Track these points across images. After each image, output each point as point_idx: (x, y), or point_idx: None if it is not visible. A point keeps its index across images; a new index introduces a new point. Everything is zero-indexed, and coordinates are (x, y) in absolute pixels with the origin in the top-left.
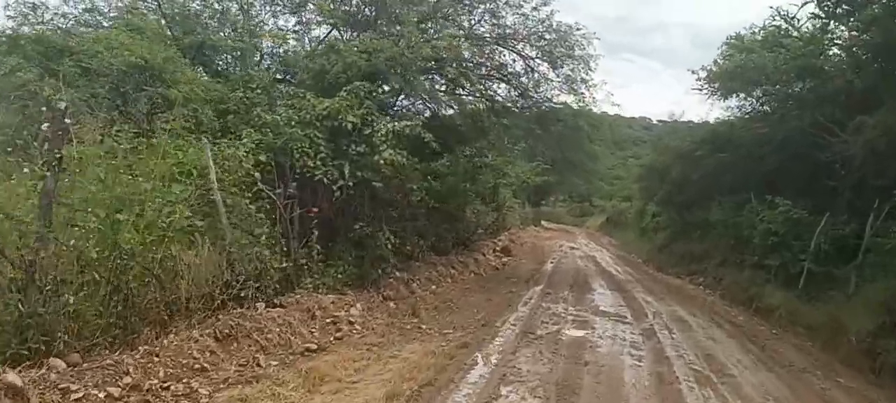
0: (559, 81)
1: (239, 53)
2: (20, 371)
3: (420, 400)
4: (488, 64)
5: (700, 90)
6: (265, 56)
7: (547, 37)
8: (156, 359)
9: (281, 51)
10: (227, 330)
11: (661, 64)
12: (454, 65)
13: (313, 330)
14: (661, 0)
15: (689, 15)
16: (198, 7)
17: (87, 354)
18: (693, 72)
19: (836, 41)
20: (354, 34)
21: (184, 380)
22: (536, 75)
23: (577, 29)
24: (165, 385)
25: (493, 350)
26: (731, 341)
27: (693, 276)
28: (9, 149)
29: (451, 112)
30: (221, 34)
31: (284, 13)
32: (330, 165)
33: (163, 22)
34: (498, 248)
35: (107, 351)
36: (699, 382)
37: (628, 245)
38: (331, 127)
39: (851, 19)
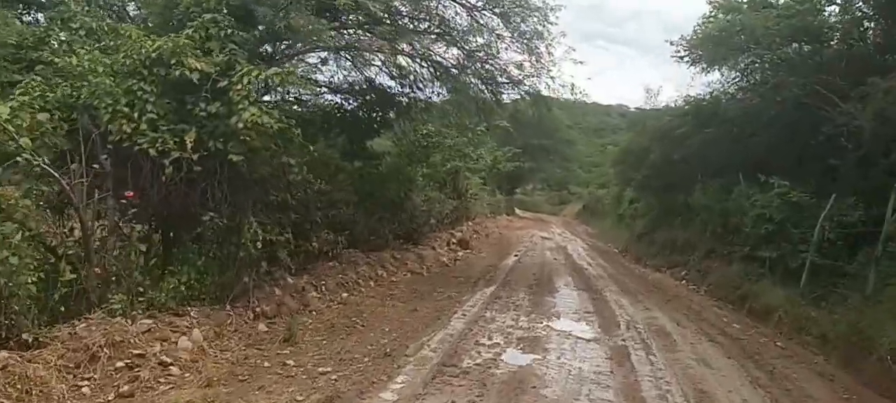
0: (512, 38)
1: None
2: None
3: None
4: (426, 18)
5: (680, 59)
6: None
7: None
8: None
9: None
10: None
11: (636, 51)
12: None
13: (83, 381)
14: None
15: (661, 3)
16: None
17: None
18: (671, 43)
19: None
20: None
21: None
22: (486, 33)
23: None
24: None
25: None
26: (730, 364)
27: (675, 269)
28: None
29: (388, 80)
30: None
31: None
32: (163, 132)
33: None
34: (454, 241)
35: None
36: None
37: (604, 234)
38: (171, 78)
39: None
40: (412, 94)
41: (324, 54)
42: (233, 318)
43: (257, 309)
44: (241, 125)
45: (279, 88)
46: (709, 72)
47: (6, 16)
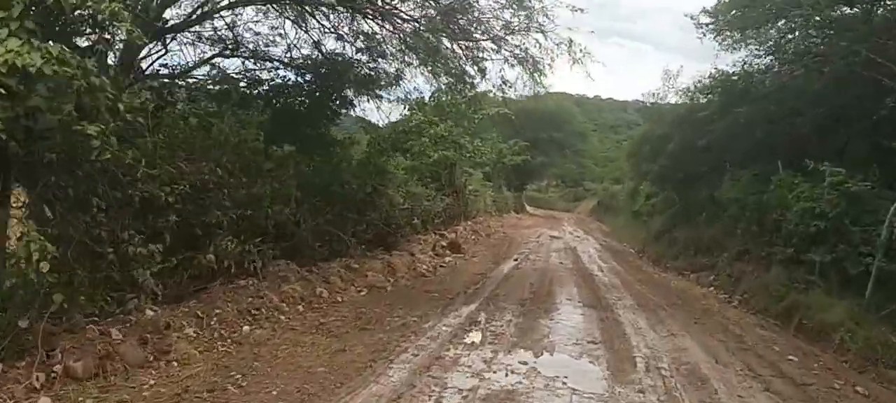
0: None
1: None
2: None
3: None
4: None
5: (703, 32)
6: None
7: None
8: None
9: None
10: None
11: (651, 46)
12: None
13: None
14: None
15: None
16: None
17: None
18: (691, 17)
19: None
20: None
21: None
22: None
23: None
24: None
25: None
26: None
27: (700, 273)
28: None
29: (342, 45)
30: None
31: None
32: None
33: None
34: (442, 244)
35: None
36: None
37: (619, 232)
38: None
39: None
40: (374, 65)
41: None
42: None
43: (57, 366)
44: None
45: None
46: (736, 48)
47: None
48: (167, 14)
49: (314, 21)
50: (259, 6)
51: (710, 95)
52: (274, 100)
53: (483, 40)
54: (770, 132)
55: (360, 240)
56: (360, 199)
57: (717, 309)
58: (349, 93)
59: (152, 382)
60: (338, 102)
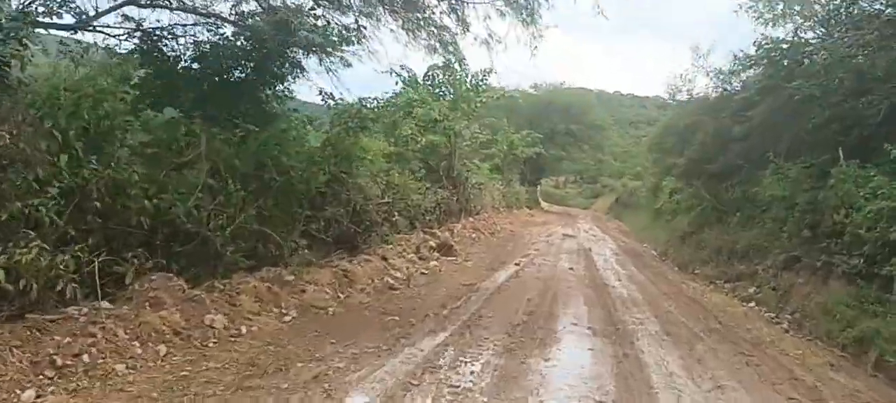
0: None
1: None
2: None
3: None
4: None
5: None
6: None
7: None
8: None
9: None
10: None
11: (677, 40)
12: None
13: None
14: None
15: None
16: None
17: None
18: None
19: None
20: None
21: None
22: None
23: None
24: None
25: None
26: None
27: (737, 284)
28: None
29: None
30: None
31: None
32: None
33: None
34: (430, 245)
35: None
36: None
37: (640, 231)
38: None
39: None
40: (330, 16)
41: None
42: None
43: None
44: None
45: None
46: (779, 23)
47: None
48: None
49: None
50: None
51: (751, 68)
52: (201, 64)
53: None
54: (828, 116)
55: (314, 242)
56: (316, 190)
57: (769, 339)
58: (298, 54)
59: None
60: (284, 66)
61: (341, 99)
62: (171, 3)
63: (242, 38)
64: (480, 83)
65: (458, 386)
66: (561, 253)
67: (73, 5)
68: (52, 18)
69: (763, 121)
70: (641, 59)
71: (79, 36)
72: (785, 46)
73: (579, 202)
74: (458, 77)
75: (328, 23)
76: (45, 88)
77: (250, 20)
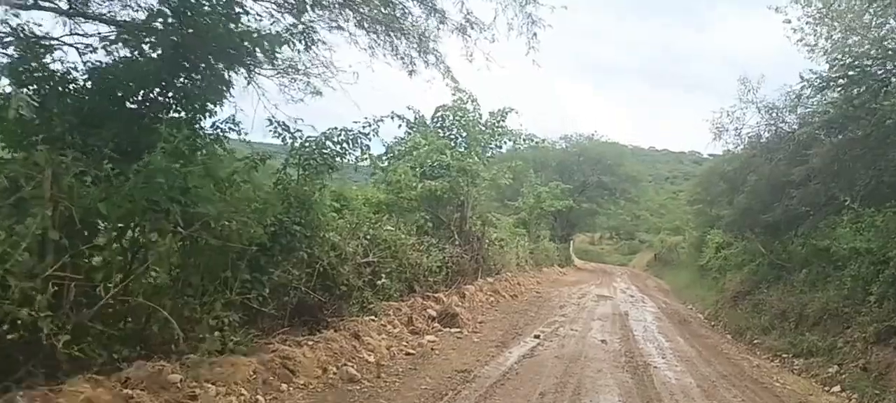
0: None
1: None
2: None
3: None
4: None
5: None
6: None
7: None
8: None
9: None
10: None
11: (715, 98)
12: None
13: None
14: (705, 33)
15: (729, 47)
16: None
17: None
18: (776, 9)
19: None
20: None
21: None
22: None
23: None
24: None
25: None
26: None
27: (810, 360)
28: None
29: None
30: None
31: None
32: None
33: None
34: (429, 313)
35: None
36: None
37: (683, 291)
38: None
39: None
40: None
41: None
42: None
43: None
44: None
45: None
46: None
47: None
48: None
49: None
50: None
51: (823, 91)
52: (95, 84)
53: None
54: None
55: (256, 317)
56: (255, 246)
57: None
58: (219, 65)
59: None
60: (198, 79)
61: (299, 131)
62: (59, 6)
63: (146, 45)
64: (497, 124)
65: None
66: (593, 319)
67: None
68: None
69: (831, 161)
70: (677, 117)
71: None
72: (869, 62)
73: (616, 259)
74: (469, 117)
75: (257, 27)
76: None
77: (157, 24)
